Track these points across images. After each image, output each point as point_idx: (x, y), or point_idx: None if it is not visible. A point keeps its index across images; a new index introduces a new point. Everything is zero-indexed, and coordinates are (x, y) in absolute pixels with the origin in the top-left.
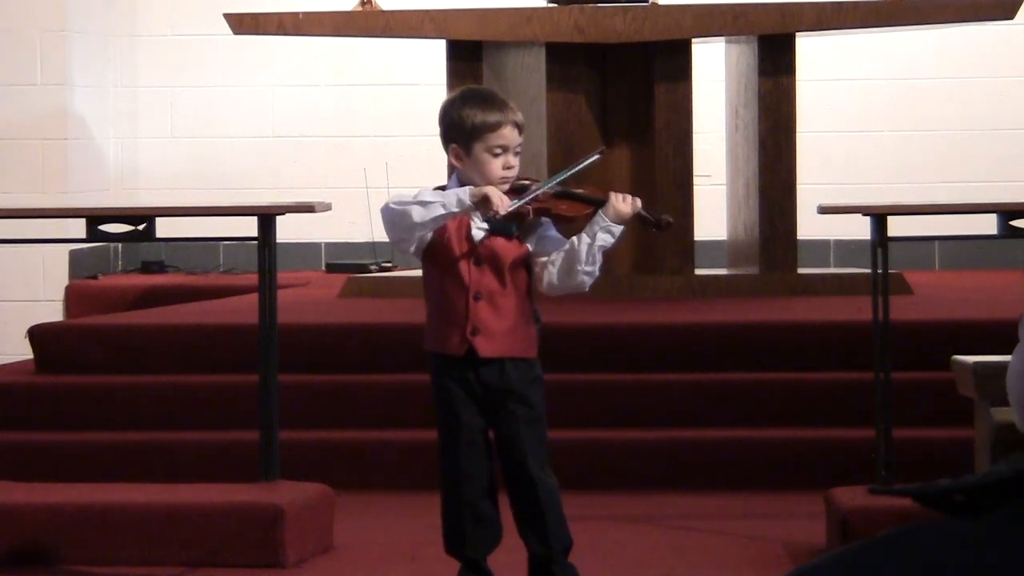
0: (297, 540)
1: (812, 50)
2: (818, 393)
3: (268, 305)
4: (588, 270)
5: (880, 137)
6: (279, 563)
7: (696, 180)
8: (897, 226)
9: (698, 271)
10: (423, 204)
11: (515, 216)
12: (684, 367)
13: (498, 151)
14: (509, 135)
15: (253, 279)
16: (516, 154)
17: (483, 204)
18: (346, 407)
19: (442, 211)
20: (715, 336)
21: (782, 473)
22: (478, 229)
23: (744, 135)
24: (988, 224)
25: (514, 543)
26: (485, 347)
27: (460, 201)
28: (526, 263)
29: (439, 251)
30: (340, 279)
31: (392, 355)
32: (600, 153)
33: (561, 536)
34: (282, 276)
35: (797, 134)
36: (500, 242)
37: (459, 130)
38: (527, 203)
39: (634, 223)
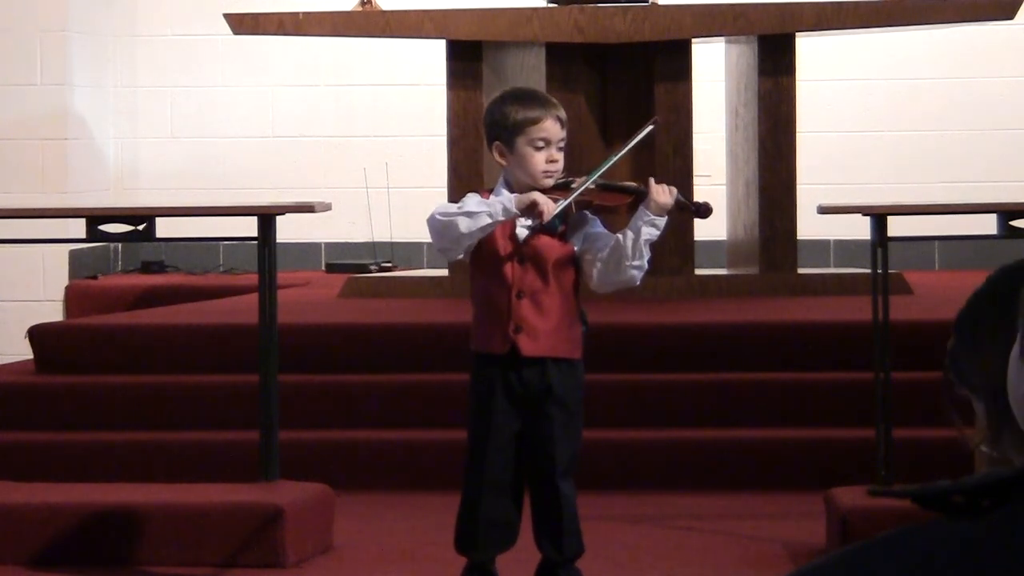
0: (297, 540)
1: (812, 50)
2: (818, 393)
3: (268, 305)
4: (637, 264)
5: (880, 137)
6: (279, 563)
7: (696, 180)
8: (897, 226)
9: (698, 271)
10: (469, 215)
11: (560, 213)
12: (684, 367)
13: (540, 144)
14: (551, 128)
15: (253, 279)
16: (560, 149)
17: (529, 211)
18: (346, 407)
19: (488, 220)
20: (715, 336)
21: (782, 473)
22: (522, 228)
23: (744, 135)
24: (988, 224)
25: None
26: (528, 346)
27: (506, 209)
28: (573, 262)
29: (484, 251)
30: (340, 279)
31: (392, 355)
32: (654, 123)
33: (574, 544)
34: (282, 276)
35: (797, 134)
36: (544, 240)
37: (501, 127)
38: (572, 201)
39: (674, 211)
